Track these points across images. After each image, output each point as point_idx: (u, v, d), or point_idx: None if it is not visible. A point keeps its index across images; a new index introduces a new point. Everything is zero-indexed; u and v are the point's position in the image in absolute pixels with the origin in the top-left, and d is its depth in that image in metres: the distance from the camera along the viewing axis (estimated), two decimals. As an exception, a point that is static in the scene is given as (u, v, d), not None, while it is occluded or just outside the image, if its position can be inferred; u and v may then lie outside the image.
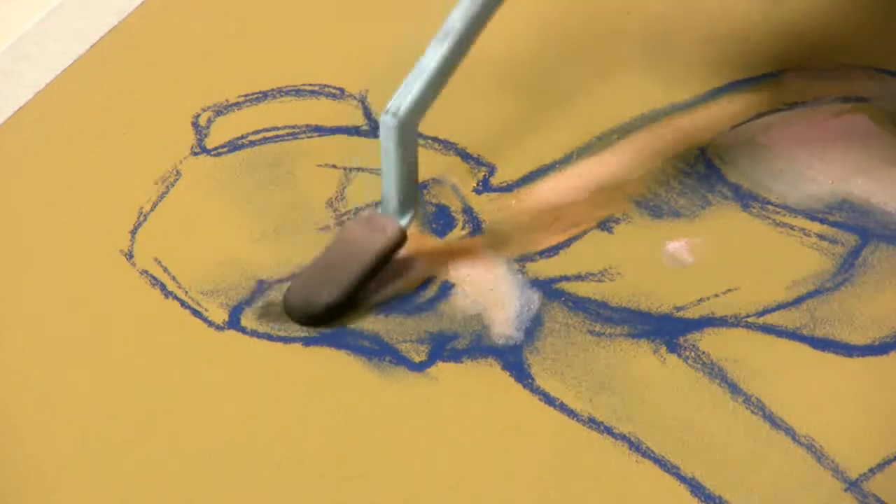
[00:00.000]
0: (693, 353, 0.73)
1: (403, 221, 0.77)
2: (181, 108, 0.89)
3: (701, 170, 0.81)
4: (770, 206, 0.79)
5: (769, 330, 0.74)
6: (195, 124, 0.88)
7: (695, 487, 0.69)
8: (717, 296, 0.75)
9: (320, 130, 0.86)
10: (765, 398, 0.71)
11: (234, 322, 0.77)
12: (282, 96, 0.89)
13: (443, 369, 0.74)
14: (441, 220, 0.81)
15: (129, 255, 0.81)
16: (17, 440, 0.74)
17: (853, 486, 0.68)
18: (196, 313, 0.78)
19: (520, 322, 0.76)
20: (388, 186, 0.76)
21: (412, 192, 0.77)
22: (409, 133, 0.74)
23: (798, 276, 0.76)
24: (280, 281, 0.79)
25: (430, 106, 0.75)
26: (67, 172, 0.86)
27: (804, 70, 0.85)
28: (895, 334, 0.73)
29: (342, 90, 0.88)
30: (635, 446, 0.70)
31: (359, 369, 0.75)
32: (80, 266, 0.81)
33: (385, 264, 0.77)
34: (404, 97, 0.74)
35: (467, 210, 0.81)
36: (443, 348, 0.75)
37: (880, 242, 0.77)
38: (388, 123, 0.74)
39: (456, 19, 0.74)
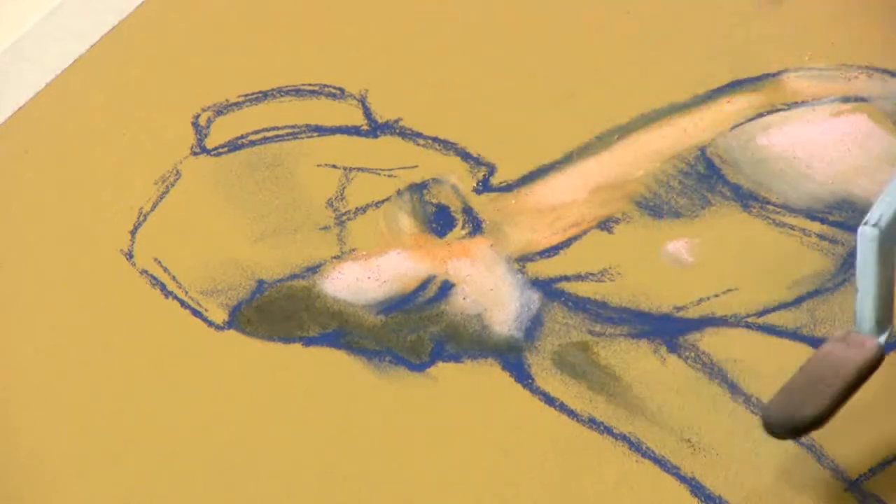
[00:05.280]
0: (693, 353, 0.73)
1: (881, 339, 0.70)
2: (181, 108, 0.89)
3: (701, 170, 0.81)
4: (770, 206, 0.79)
5: (769, 330, 0.74)
6: (195, 124, 0.88)
7: (695, 487, 0.69)
8: (717, 296, 0.75)
9: (320, 130, 0.86)
10: (765, 398, 0.71)
11: (234, 322, 0.77)
12: (282, 96, 0.89)
13: (443, 369, 0.74)
14: (441, 220, 0.81)
15: (129, 255, 0.81)
16: (17, 440, 0.74)
17: (853, 486, 0.68)
18: (196, 313, 0.78)
19: (520, 322, 0.76)
20: (865, 303, 0.69)
21: (890, 308, 0.70)
22: (890, 246, 0.66)
23: (798, 276, 0.76)
24: (280, 281, 0.79)
25: None
26: (67, 173, 0.86)
27: (804, 70, 0.85)
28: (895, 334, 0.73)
29: (342, 90, 0.88)
30: (635, 446, 0.70)
31: (359, 369, 0.75)
32: (80, 266, 0.81)
33: (863, 382, 0.71)
34: (888, 208, 0.65)
35: (467, 210, 0.81)
36: (443, 348, 0.75)
37: (881, 243, 0.76)
38: (868, 235, 0.65)
39: None
